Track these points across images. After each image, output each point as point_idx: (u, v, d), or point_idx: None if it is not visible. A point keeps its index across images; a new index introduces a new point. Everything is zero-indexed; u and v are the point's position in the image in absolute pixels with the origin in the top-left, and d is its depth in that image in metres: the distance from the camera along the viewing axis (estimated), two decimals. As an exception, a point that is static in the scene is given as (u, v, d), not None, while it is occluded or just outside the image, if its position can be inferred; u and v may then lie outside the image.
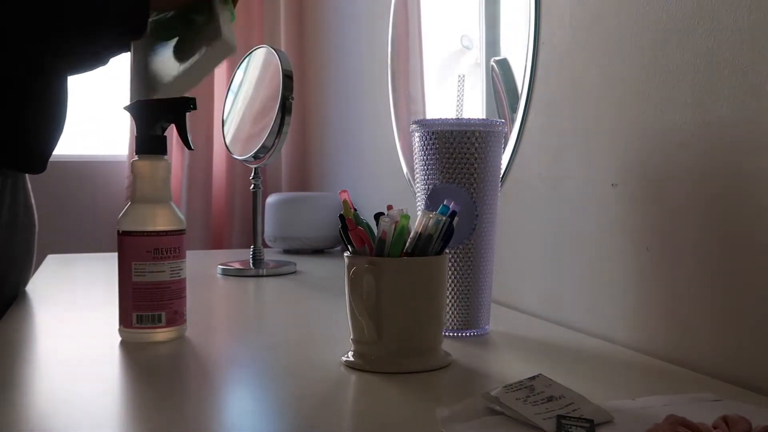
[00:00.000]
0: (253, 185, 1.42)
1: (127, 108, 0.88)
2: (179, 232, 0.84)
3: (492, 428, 0.54)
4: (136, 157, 0.85)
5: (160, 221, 0.83)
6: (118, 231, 0.83)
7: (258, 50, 1.45)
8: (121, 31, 0.91)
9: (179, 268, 0.83)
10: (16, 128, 1.01)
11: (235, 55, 0.94)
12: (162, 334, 0.82)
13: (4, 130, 1.00)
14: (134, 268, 0.82)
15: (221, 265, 1.40)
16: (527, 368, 0.71)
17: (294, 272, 1.40)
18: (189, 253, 0.87)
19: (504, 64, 1.09)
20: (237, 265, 1.40)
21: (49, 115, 1.05)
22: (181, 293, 0.84)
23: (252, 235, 1.44)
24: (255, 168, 1.42)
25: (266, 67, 1.42)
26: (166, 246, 0.82)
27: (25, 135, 1.03)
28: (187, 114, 0.87)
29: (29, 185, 1.13)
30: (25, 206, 1.11)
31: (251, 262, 1.41)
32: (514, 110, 1.04)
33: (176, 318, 0.83)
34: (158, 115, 0.85)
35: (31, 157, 1.05)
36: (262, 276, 1.35)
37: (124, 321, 0.83)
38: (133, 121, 0.86)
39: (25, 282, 1.15)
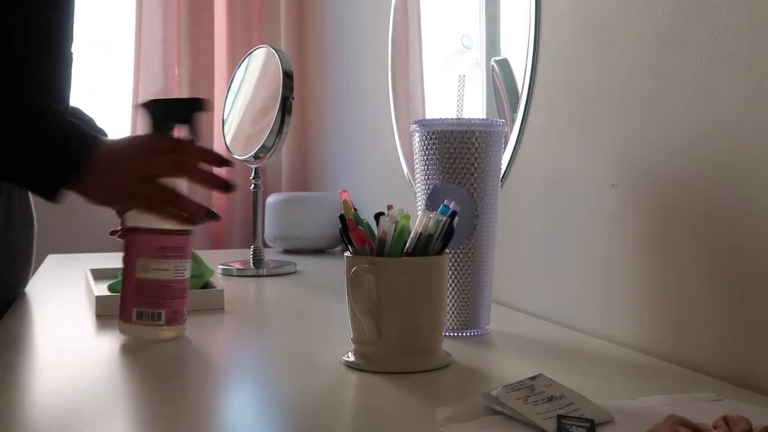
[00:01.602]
0: (253, 185, 1.42)
1: (144, 105, 0.86)
2: (185, 233, 0.83)
3: (492, 428, 0.54)
4: None
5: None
6: (126, 227, 0.83)
7: (258, 50, 1.45)
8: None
9: (183, 268, 0.83)
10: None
11: None
12: (160, 333, 0.82)
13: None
14: (138, 264, 0.81)
15: (221, 265, 1.40)
16: (527, 368, 0.70)
17: (294, 272, 1.40)
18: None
19: (504, 64, 1.09)
20: (237, 265, 1.40)
21: None
22: (183, 293, 0.84)
23: (252, 235, 1.44)
24: (255, 168, 1.42)
25: (266, 66, 1.42)
26: (172, 245, 0.82)
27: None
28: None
29: None
30: (20, 204, 1.10)
31: (251, 262, 1.41)
32: (514, 110, 1.04)
33: (176, 317, 0.83)
34: (172, 114, 0.85)
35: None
36: (263, 276, 1.35)
37: (124, 315, 0.82)
38: (148, 119, 0.85)
39: (25, 281, 1.15)
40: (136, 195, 0.80)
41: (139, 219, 0.82)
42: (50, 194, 0.79)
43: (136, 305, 0.81)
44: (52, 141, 0.79)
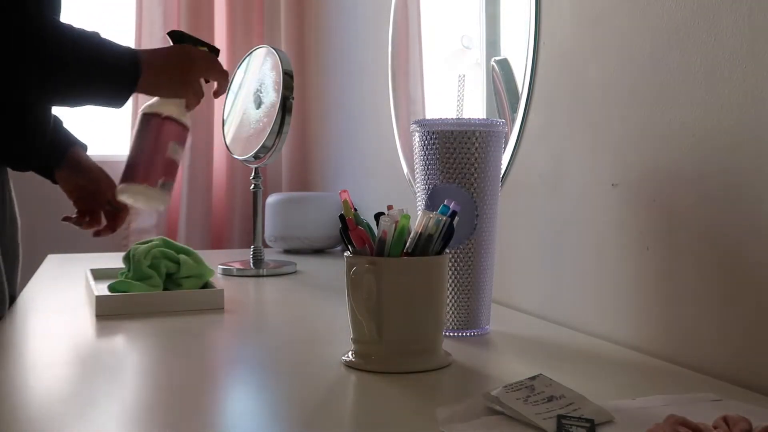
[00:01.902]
0: (253, 185, 1.42)
1: (172, 33, 1.02)
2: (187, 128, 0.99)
3: (492, 428, 0.54)
4: None
5: (184, 118, 0.98)
6: (155, 113, 0.96)
7: (258, 50, 1.45)
8: (105, 102, 0.95)
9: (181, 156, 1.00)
10: (16, 127, 1.01)
11: None
12: (168, 199, 0.97)
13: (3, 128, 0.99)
14: (170, 147, 0.96)
15: (221, 264, 1.40)
16: (527, 368, 0.70)
17: (294, 272, 1.40)
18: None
19: (504, 64, 1.09)
20: (237, 265, 1.40)
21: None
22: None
23: (252, 235, 1.43)
24: (255, 168, 1.42)
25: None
26: (185, 137, 0.99)
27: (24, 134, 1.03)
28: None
29: (11, 182, 1.14)
30: (10, 202, 1.12)
31: (251, 262, 1.41)
32: (514, 110, 1.04)
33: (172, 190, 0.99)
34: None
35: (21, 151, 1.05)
36: (263, 276, 1.35)
37: (148, 180, 0.95)
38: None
39: (17, 278, 1.15)
40: (187, 84, 0.98)
41: (166, 109, 0.96)
42: (122, 101, 0.93)
43: (163, 177, 0.95)
44: (111, 55, 0.92)
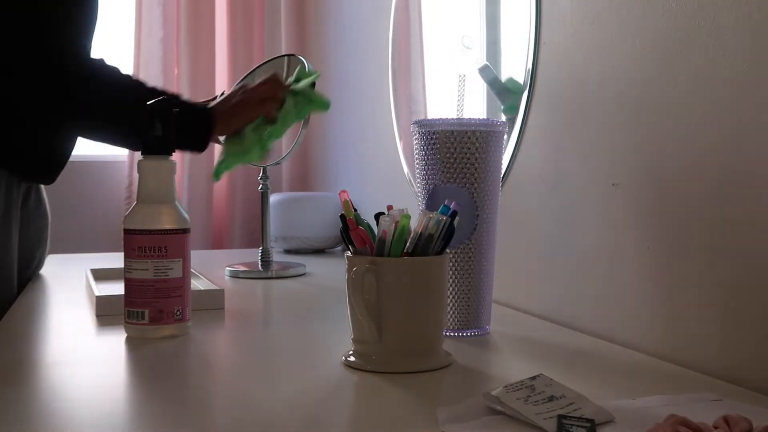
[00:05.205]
0: (261, 185, 1.39)
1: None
2: (167, 232, 0.83)
3: (492, 428, 0.54)
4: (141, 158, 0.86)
5: (150, 221, 0.83)
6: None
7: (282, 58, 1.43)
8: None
9: (166, 267, 0.83)
10: (40, 145, 1.17)
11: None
12: (147, 332, 0.83)
13: (27, 145, 1.14)
14: (125, 265, 0.84)
15: (228, 267, 1.39)
16: (528, 368, 0.71)
17: (303, 274, 1.38)
18: (193, 254, 0.87)
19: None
20: (244, 267, 1.38)
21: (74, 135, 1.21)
22: (170, 293, 0.83)
23: (260, 236, 1.41)
24: (263, 168, 1.40)
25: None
26: (150, 245, 0.82)
27: (47, 151, 1.19)
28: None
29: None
30: (43, 199, 1.29)
31: (260, 263, 1.39)
32: (513, 110, 1.04)
33: (161, 317, 0.83)
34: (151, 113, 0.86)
35: (49, 170, 1.21)
36: (272, 278, 1.34)
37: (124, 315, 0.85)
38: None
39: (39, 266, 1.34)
40: (254, 110, 1.13)
41: (128, 220, 0.84)
42: (203, 147, 1.15)
43: (125, 304, 0.84)
44: (192, 112, 1.13)
